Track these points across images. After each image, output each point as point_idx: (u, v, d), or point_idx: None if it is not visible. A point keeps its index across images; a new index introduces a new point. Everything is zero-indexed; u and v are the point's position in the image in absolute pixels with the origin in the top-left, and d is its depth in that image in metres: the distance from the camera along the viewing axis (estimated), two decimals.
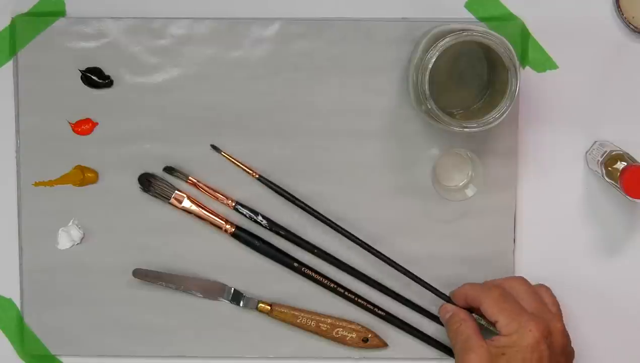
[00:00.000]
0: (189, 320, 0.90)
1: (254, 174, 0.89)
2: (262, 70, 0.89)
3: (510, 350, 0.81)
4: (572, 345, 0.85)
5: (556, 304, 0.86)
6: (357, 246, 0.90)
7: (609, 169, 0.85)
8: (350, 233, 0.89)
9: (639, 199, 0.82)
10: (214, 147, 0.89)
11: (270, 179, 0.89)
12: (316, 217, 0.89)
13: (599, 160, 0.86)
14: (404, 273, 0.89)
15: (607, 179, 0.85)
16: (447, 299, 0.89)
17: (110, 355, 0.91)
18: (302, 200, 0.89)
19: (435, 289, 0.89)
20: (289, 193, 0.89)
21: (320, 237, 0.90)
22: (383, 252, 0.89)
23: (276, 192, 0.89)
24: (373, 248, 0.89)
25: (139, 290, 0.90)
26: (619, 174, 0.83)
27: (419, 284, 0.89)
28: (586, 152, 0.90)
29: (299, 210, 0.90)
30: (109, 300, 0.90)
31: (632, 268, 0.91)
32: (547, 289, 0.87)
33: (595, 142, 0.90)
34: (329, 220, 0.89)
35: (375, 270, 0.90)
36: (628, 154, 0.86)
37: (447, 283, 0.90)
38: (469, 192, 0.87)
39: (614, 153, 0.85)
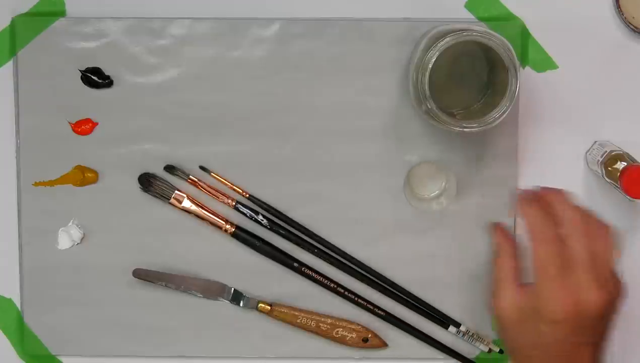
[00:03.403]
0: (189, 320, 0.90)
1: (245, 194, 0.89)
2: (262, 70, 0.89)
3: (535, 314, 0.78)
4: (617, 285, 0.79)
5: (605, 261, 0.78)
6: (357, 246, 0.90)
7: (609, 169, 0.85)
8: (341, 255, 0.89)
9: (639, 199, 0.82)
10: (202, 168, 0.89)
11: (270, 179, 0.89)
12: (310, 243, 0.90)
13: (599, 160, 0.86)
14: (405, 302, 0.90)
15: (607, 179, 0.85)
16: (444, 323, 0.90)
17: (110, 355, 0.91)
18: (301, 200, 0.90)
19: (433, 315, 0.91)
20: (280, 212, 0.90)
21: (320, 237, 0.90)
22: (384, 251, 0.90)
23: (267, 211, 0.90)
24: (370, 277, 0.90)
25: (139, 290, 0.90)
26: (619, 174, 0.83)
27: (418, 311, 0.91)
28: (586, 152, 0.90)
29: (300, 210, 0.90)
30: (109, 300, 0.90)
31: (632, 268, 0.91)
32: (607, 241, 0.79)
33: (595, 142, 0.90)
34: (324, 243, 0.90)
35: (375, 269, 0.91)
36: (628, 154, 0.86)
37: (447, 283, 0.90)
38: (440, 204, 0.88)
39: (614, 153, 0.85)
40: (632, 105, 0.90)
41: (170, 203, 0.89)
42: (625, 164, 0.84)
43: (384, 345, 0.91)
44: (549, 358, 0.79)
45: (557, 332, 0.77)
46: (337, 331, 0.90)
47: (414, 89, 0.83)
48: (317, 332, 0.90)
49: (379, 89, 0.89)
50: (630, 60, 0.90)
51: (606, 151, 0.86)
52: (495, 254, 0.83)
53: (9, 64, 0.89)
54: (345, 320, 0.90)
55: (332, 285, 0.90)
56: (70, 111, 0.89)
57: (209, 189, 0.89)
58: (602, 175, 0.86)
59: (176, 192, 0.89)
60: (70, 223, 0.90)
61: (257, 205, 0.90)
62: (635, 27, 0.88)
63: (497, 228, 0.85)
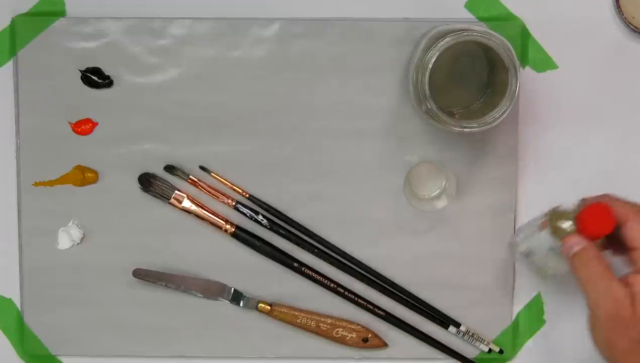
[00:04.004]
0: (189, 320, 0.90)
1: (245, 194, 0.89)
2: (262, 70, 0.89)
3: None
4: None
5: None
6: (357, 246, 0.90)
7: (555, 226, 0.79)
8: (340, 255, 0.90)
9: (595, 240, 0.77)
10: (202, 168, 0.89)
11: (270, 179, 0.89)
12: (310, 243, 0.90)
13: (538, 225, 0.80)
14: (407, 304, 0.90)
15: (553, 240, 0.79)
16: (445, 323, 0.90)
17: (110, 355, 0.91)
18: (301, 200, 0.90)
19: (435, 316, 0.91)
20: (280, 212, 0.90)
21: (320, 237, 0.90)
22: (384, 251, 0.90)
23: (267, 211, 0.90)
24: (371, 277, 0.90)
25: (139, 290, 0.90)
26: (566, 231, 0.77)
27: (420, 312, 0.91)
28: (510, 242, 0.88)
29: (300, 210, 0.90)
30: (109, 300, 0.90)
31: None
32: None
33: (519, 228, 0.85)
34: (324, 243, 0.90)
35: (376, 268, 0.91)
36: (571, 209, 0.80)
37: (446, 282, 0.90)
38: (440, 203, 0.88)
39: (559, 209, 0.80)
40: (632, 105, 0.90)
41: (170, 203, 0.89)
42: (571, 222, 0.78)
43: (384, 345, 0.91)
44: None
45: None
46: (337, 331, 0.90)
47: (414, 89, 0.83)
48: (317, 332, 0.90)
49: (379, 89, 0.89)
50: (630, 60, 0.90)
51: (549, 212, 0.80)
52: (581, 265, 0.76)
53: (9, 64, 0.89)
54: (345, 320, 0.90)
55: (332, 285, 0.90)
56: (70, 111, 0.89)
57: (209, 189, 0.89)
58: (540, 248, 0.80)
59: (176, 192, 0.89)
60: (70, 223, 0.90)
61: (257, 205, 0.90)
62: (635, 27, 0.88)
63: (567, 238, 0.77)
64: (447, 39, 0.80)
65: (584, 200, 0.79)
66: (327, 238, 0.90)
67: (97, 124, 0.89)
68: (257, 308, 0.90)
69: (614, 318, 0.73)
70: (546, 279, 0.89)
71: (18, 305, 0.91)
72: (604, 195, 0.78)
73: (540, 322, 0.92)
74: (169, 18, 0.88)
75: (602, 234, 0.75)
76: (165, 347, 0.91)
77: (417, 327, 0.91)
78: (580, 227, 0.76)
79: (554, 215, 0.79)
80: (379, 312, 0.90)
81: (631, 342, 0.72)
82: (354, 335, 0.90)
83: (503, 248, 0.90)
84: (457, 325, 0.91)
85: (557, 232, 0.78)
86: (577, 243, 0.76)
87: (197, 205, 0.89)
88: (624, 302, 0.73)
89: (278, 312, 0.90)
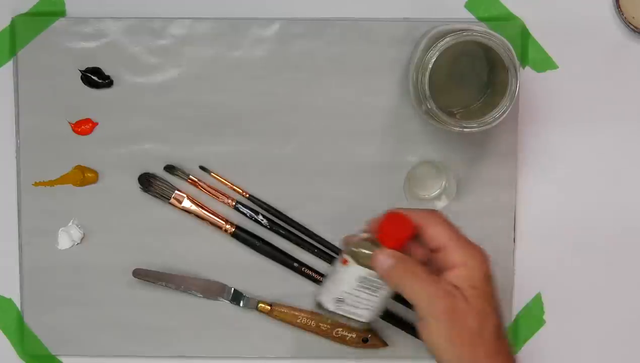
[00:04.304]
0: (189, 320, 0.90)
1: (245, 194, 0.89)
2: (262, 70, 0.89)
3: (466, 285, 0.73)
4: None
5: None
6: None
7: (357, 254, 0.76)
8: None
9: (399, 249, 0.75)
10: (202, 168, 0.89)
11: (270, 178, 0.89)
12: (310, 243, 0.90)
13: (339, 263, 0.77)
14: None
15: (359, 278, 0.76)
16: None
17: (110, 355, 0.91)
18: (301, 200, 0.90)
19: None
20: (280, 212, 0.90)
21: (320, 237, 0.90)
22: None
23: (267, 211, 0.90)
24: None
25: (139, 290, 0.90)
26: (370, 253, 0.75)
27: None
28: (316, 304, 0.79)
29: (300, 210, 0.90)
30: (109, 300, 0.90)
31: (631, 269, 0.91)
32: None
33: (320, 288, 0.80)
34: (324, 243, 0.90)
35: None
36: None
37: None
38: (440, 203, 0.88)
39: (353, 239, 0.77)
40: (632, 105, 0.90)
41: (170, 203, 0.89)
42: (370, 244, 0.75)
43: (384, 345, 0.91)
44: None
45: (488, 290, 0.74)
46: (337, 331, 0.90)
47: (414, 89, 0.83)
48: (317, 332, 0.90)
49: (379, 89, 0.89)
50: (630, 60, 0.90)
51: (341, 250, 0.77)
52: (402, 277, 0.74)
53: (9, 64, 0.89)
54: None
55: None
56: (70, 111, 0.89)
57: (209, 189, 0.89)
58: (350, 286, 0.76)
59: (176, 192, 0.89)
60: (70, 223, 0.90)
61: (257, 205, 0.90)
62: (635, 27, 0.88)
63: (379, 253, 0.75)
64: (447, 39, 0.80)
65: (370, 221, 0.78)
66: (327, 239, 0.90)
67: (97, 124, 0.89)
68: (257, 308, 0.90)
69: (452, 311, 0.72)
70: (363, 325, 0.80)
71: (18, 305, 0.91)
72: (394, 209, 0.76)
73: (540, 322, 0.92)
74: (169, 18, 0.88)
75: (405, 239, 0.74)
76: (165, 347, 0.91)
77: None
78: (383, 239, 0.75)
79: (351, 245, 0.76)
80: None
81: (471, 333, 0.72)
82: (354, 335, 0.90)
83: (503, 248, 0.90)
84: None
85: (362, 260, 0.76)
86: (388, 255, 0.74)
87: (197, 205, 0.89)
88: (457, 295, 0.72)
89: (278, 312, 0.90)
